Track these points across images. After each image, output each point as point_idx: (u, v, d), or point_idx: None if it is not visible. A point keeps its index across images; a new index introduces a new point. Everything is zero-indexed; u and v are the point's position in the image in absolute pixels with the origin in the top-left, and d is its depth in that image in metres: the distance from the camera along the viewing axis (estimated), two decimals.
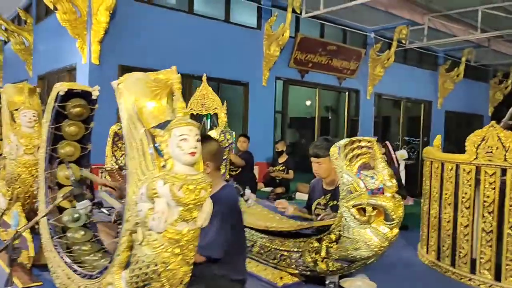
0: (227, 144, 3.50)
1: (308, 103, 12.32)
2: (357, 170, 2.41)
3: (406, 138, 12.42)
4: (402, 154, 8.39)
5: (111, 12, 6.11)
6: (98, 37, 6.27)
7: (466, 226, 3.15)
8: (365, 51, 10.28)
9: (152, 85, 1.77)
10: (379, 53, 10.38)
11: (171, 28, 7.30)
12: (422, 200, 3.75)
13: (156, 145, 1.67)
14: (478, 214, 3.06)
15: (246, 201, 2.87)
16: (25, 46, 8.66)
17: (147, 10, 7.07)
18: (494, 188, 2.96)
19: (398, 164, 7.58)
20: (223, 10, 8.16)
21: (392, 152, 7.30)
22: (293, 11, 7.94)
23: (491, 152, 2.96)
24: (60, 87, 2.55)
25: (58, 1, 6.04)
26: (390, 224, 2.30)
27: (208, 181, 1.62)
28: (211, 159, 2.39)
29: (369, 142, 2.40)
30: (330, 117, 11.79)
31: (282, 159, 7.23)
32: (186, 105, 6.73)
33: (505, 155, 2.89)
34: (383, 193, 2.34)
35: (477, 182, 3.06)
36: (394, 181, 2.32)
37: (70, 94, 2.60)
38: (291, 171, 7.12)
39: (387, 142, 7.58)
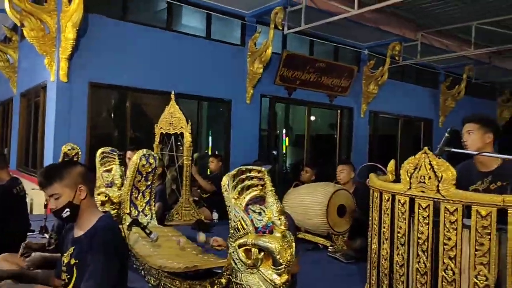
0: (149, 170, 3.23)
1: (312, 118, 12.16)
2: (246, 204, 2.12)
3: None
4: None
5: (77, 28, 5.99)
6: (66, 54, 6.16)
7: (401, 266, 2.80)
8: (358, 68, 9.98)
9: None
10: (373, 70, 10.06)
11: (148, 45, 7.17)
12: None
13: None
14: (413, 252, 2.71)
15: (148, 234, 2.60)
16: (9, 64, 8.66)
17: (121, 26, 6.96)
18: (428, 224, 2.62)
19: None
20: (204, 26, 8.01)
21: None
22: (276, 27, 7.74)
23: (424, 182, 2.62)
24: None
25: (25, 17, 5.97)
26: (278, 270, 1.99)
27: None
28: (83, 181, 2.14)
29: (259, 172, 2.11)
30: (321, 135, 11.53)
31: None
32: (157, 123, 6.56)
33: (437, 186, 2.55)
34: (271, 232, 2.04)
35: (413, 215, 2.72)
36: (283, 218, 2.02)
37: None
38: None
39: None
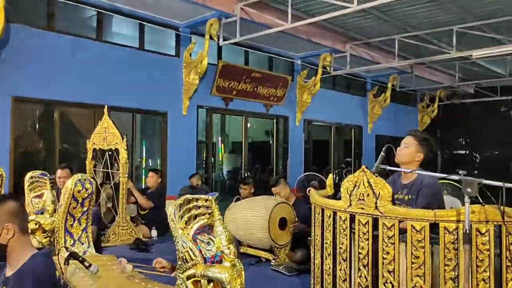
0: (86, 195, 3.07)
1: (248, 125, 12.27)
2: (194, 234, 2.08)
3: (343, 165, 12.51)
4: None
5: None
6: None
7: (344, 280, 2.90)
8: (292, 78, 10.24)
9: None
10: (306, 79, 10.37)
11: (76, 56, 6.83)
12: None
13: None
14: (354, 267, 2.82)
15: (88, 267, 2.46)
16: None
17: (48, 37, 6.56)
18: (368, 239, 2.74)
19: None
20: (137, 37, 7.80)
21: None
22: (211, 38, 7.72)
23: (363, 199, 2.74)
24: None
25: None
26: None
27: None
28: (11, 219, 1.97)
29: (207, 201, 2.09)
30: (258, 142, 11.71)
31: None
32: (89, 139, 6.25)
33: (376, 203, 2.68)
34: (221, 262, 2.02)
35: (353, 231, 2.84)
36: (232, 247, 2.01)
37: None
38: None
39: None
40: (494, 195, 2.34)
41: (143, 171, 9.08)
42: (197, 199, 2.11)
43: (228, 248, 2.01)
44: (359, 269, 2.79)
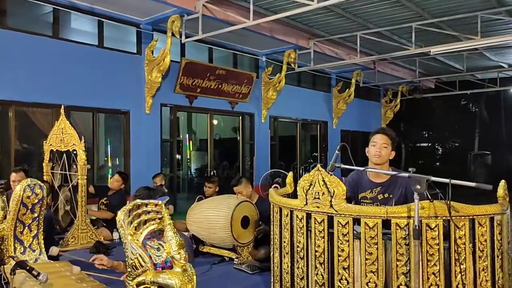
0: (36, 201, 2.96)
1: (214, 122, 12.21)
2: (143, 240, 2.04)
3: (311, 160, 12.65)
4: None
5: None
6: None
7: (302, 278, 2.92)
8: (257, 75, 10.23)
9: None
10: (271, 76, 10.39)
11: (31, 54, 6.58)
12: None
13: None
14: (311, 265, 2.84)
15: (36, 276, 2.38)
16: None
17: None
18: (323, 237, 2.77)
19: None
20: (96, 34, 7.58)
21: None
22: (174, 35, 7.60)
23: (318, 198, 2.77)
24: None
25: None
26: None
27: None
28: None
29: (156, 205, 2.05)
30: (224, 140, 11.69)
31: None
32: (46, 139, 6.05)
33: (330, 201, 2.71)
34: (171, 268, 1.99)
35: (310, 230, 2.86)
36: (183, 252, 1.97)
37: None
38: (171, 206, 6.66)
39: None
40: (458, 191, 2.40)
41: (109, 170, 8.89)
42: (146, 204, 2.06)
43: (179, 253, 1.97)
44: (316, 267, 2.82)
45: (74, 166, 5.64)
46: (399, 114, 14.77)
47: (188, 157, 13.52)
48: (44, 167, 6.05)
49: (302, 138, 12.27)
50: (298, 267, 2.95)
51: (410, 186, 2.40)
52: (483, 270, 2.59)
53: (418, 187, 2.32)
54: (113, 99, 7.65)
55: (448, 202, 2.36)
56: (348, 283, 2.68)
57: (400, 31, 8.96)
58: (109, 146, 9.39)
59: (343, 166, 2.84)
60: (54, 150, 5.88)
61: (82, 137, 5.41)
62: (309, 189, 2.82)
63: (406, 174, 2.42)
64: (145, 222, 2.07)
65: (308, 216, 2.86)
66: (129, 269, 2.04)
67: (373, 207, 2.69)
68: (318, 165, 2.78)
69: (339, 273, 2.71)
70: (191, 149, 13.53)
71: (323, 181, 2.74)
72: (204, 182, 6.20)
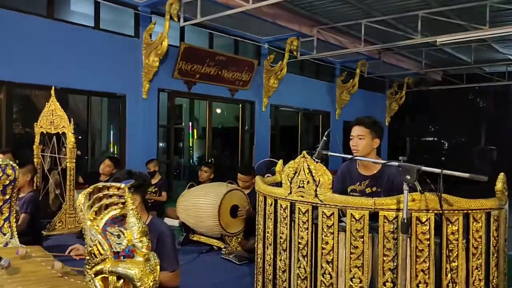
0: (7, 182, 2.81)
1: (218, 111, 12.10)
2: (104, 226, 1.88)
3: (313, 151, 12.44)
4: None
5: None
6: None
7: (284, 271, 2.76)
8: (259, 62, 10.01)
9: None
10: (273, 64, 10.16)
11: (26, 34, 6.43)
12: None
13: None
14: (294, 258, 2.68)
15: None
16: None
17: None
18: (307, 228, 2.60)
19: None
20: (92, 16, 7.40)
21: None
22: (172, 18, 7.39)
23: (303, 186, 2.59)
24: None
25: None
26: None
27: None
28: None
29: (119, 189, 1.88)
30: (226, 128, 11.53)
31: (155, 180, 6.59)
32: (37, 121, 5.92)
33: (315, 190, 2.53)
34: (132, 256, 1.83)
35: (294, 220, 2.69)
36: (145, 239, 1.81)
37: None
38: (164, 193, 6.52)
39: None
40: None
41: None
42: (108, 187, 1.90)
43: (141, 241, 1.80)
44: (298, 260, 2.65)
45: (63, 149, 5.50)
46: (405, 107, 14.49)
47: (191, 145, 13.39)
48: (34, 150, 5.92)
49: (304, 128, 12.08)
50: (280, 259, 2.78)
51: (400, 180, 2.21)
52: (476, 268, 2.42)
53: (408, 177, 2.14)
54: (109, 82, 7.49)
55: (440, 194, 2.17)
56: (331, 277, 2.51)
57: (406, 20, 8.67)
58: (111, 132, 9.27)
59: (330, 153, 2.65)
60: (45, 132, 5.74)
61: (71, 119, 5.25)
62: (294, 177, 2.65)
63: (396, 163, 2.23)
64: (107, 206, 1.91)
65: (293, 205, 2.69)
66: (87, 257, 1.89)
67: (360, 198, 2.51)
68: (304, 152, 2.60)
69: (322, 266, 2.54)
70: (195, 137, 13.41)
71: (309, 169, 2.56)
72: None
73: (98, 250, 1.85)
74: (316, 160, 2.60)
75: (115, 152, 8.89)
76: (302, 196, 2.60)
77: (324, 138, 2.68)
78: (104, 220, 1.89)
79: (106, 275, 1.82)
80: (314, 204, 2.56)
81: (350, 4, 8.02)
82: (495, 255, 2.48)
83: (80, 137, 7.65)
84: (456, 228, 2.36)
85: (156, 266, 1.85)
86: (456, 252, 2.37)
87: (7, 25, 6.25)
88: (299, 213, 2.64)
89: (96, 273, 1.84)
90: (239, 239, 4.62)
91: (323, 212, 2.53)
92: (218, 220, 4.34)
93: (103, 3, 7.36)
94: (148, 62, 7.83)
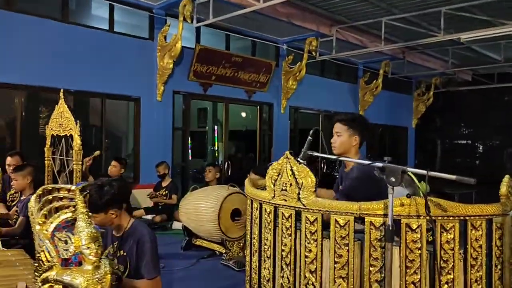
0: None
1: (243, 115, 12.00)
2: (53, 231, 1.76)
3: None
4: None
5: None
6: None
7: (268, 280, 2.58)
8: (277, 63, 9.84)
9: None
10: (292, 65, 9.96)
11: (40, 38, 6.51)
12: None
13: None
14: (278, 266, 2.49)
15: None
16: None
17: (7, 17, 6.24)
18: (290, 235, 2.41)
19: None
20: (107, 19, 7.44)
21: None
22: (185, 20, 7.34)
23: (285, 189, 2.41)
24: None
25: None
26: None
27: None
28: None
29: (70, 191, 1.76)
30: (248, 132, 11.39)
31: (165, 182, 6.53)
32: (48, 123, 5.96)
33: (298, 193, 2.34)
34: (80, 264, 1.70)
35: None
36: (94, 246, 1.68)
37: None
38: (174, 196, 6.45)
39: None
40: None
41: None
42: (58, 189, 1.79)
43: (88, 247, 1.68)
44: (282, 268, 2.46)
45: (71, 151, 5.49)
46: (433, 108, 13.90)
47: (216, 148, 13.33)
48: (45, 152, 5.96)
49: (324, 130, 11.75)
50: (264, 267, 2.60)
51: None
52: (476, 281, 2.16)
53: (393, 179, 1.92)
54: (123, 85, 7.50)
55: (425, 196, 1.94)
56: None
57: (428, 17, 8.28)
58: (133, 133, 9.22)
59: (315, 154, 2.46)
60: (55, 134, 5.76)
61: (78, 121, 5.23)
62: (277, 179, 2.46)
63: (381, 164, 2.01)
64: (57, 210, 1.79)
65: (276, 210, 2.51)
66: (36, 264, 1.77)
67: (345, 202, 2.30)
68: (287, 152, 2.42)
69: (305, 276, 2.35)
70: (220, 140, 13.33)
71: (291, 170, 2.38)
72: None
73: (45, 256, 1.73)
74: (301, 161, 2.41)
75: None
76: (285, 200, 2.42)
77: (309, 137, 2.49)
78: (54, 224, 1.78)
79: (52, 284, 1.70)
80: (297, 209, 2.37)
81: (368, 1, 7.73)
82: (499, 267, 2.21)
83: (107, 140, 7.75)
84: (452, 236, 2.11)
85: (106, 275, 1.72)
86: (452, 263, 2.12)
87: (24, 30, 6.34)
88: (282, 218, 2.45)
89: (43, 282, 1.73)
90: (241, 244, 4.45)
91: (306, 217, 2.33)
92: (218, 224, 4.19)
93: (118, 6, 7.38)
94: (162, 64, 7.80)
